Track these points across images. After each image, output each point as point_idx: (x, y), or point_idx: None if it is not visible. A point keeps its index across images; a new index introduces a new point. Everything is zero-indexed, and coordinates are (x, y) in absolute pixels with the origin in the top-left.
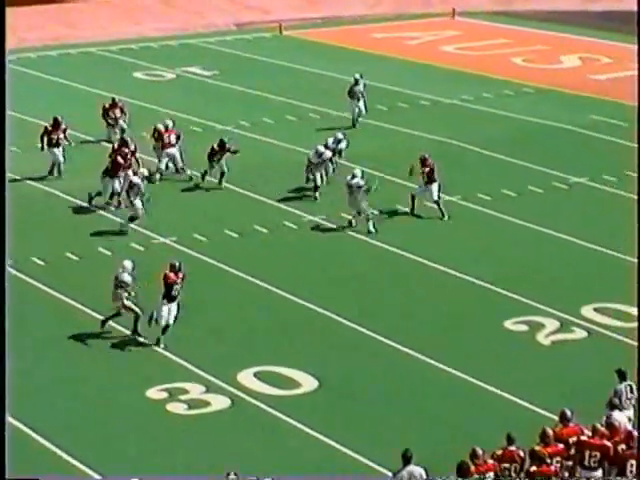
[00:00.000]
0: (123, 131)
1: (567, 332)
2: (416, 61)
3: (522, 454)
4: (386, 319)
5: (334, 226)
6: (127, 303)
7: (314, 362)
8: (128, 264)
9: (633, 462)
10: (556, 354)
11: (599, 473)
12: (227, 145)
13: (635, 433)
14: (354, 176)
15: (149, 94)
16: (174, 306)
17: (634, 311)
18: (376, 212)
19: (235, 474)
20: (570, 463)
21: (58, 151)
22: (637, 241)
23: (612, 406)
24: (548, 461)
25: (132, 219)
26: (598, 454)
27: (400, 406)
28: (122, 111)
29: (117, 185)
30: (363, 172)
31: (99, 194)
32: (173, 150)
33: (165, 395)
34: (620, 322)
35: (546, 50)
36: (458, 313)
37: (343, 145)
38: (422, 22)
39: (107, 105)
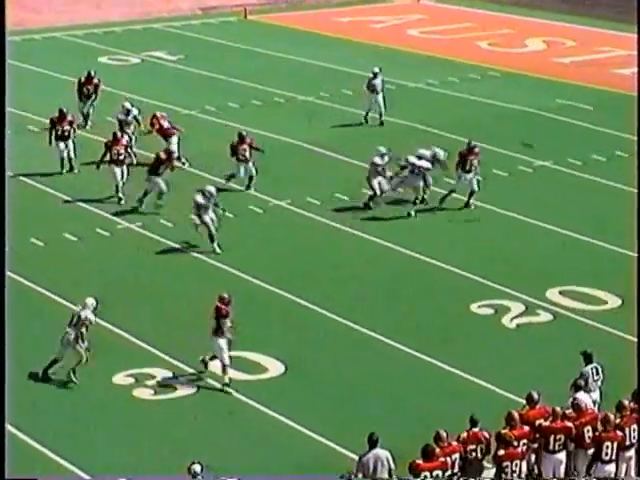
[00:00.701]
0: (90, 109)
1: (533, 315)
2: (381, 45)
3: (487, 435)
4: (350, 303)
5: (300, 211)
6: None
7: (280, 347)
8: (91, 301)
9: (608, 444)
10: (522, 337)
11: (563, 455)
12: (247, 138)
13: (611, 416)
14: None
15: (114, 79)
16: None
17: (599, 294)
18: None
19: (199, 463)
20: (536, 446)
21: (63, 145)
22: (637, 235)
23: (577, 388)
24: (515, 444)
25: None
26: (562, 437)
27: (366, 390)
28: (96, 88)
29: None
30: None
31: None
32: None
33: (131, 381)
34: (585, 305)
35: (511, 34)
36: (424, 297)
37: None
38: (388, 6)
39: (83, 79)
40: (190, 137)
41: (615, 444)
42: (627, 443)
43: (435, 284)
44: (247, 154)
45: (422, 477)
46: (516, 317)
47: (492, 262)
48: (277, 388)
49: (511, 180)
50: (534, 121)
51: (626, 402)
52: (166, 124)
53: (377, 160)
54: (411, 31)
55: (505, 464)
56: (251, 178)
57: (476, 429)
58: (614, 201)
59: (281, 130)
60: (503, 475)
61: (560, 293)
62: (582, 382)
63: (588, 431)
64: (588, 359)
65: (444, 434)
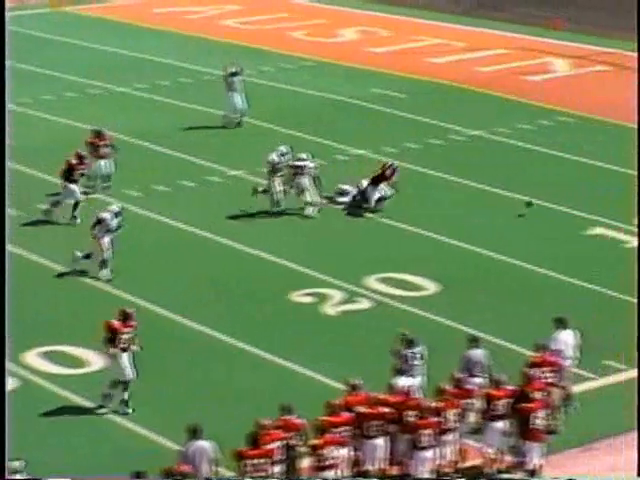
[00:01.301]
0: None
1: (352, 303)
2: (196, 36)
3: (301, 422)
4: (172, 293)
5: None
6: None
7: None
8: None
9: (425, 431)
10: (342, 325)
11: (382, 441)
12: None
13: (428, 402)
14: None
15: None
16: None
17: (418, 280)
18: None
19: (22, 460)
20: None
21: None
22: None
23: (398, 372)
24: (335, 430)
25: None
26: (381, 422)
27: (189, 380)
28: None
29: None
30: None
31: None
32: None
33: None
34: (405, 291)
35: (325, 24)
36: (245, 286)
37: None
38: None
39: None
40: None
41: (432, 430)
42: (446, 427)
43: (256, 273)
44: (107, 150)
45: (246, 464)
46: (336, 305)
47: (311, 251)
48: (95, 381)
49: (330, 169)
50: (349, 110)
51: (446, 386)
52: None
53: (275, 158)
54: (226, 21)
55: (324, 451)
56: (109, 176)
57: (290, 416)
58: (428, 189)
59: (98, 122)
60: (323, 462)
61: (379, 280)
62: (404, 367)
63: (409, 416)
64: (409, 343)
65: (265, 422)
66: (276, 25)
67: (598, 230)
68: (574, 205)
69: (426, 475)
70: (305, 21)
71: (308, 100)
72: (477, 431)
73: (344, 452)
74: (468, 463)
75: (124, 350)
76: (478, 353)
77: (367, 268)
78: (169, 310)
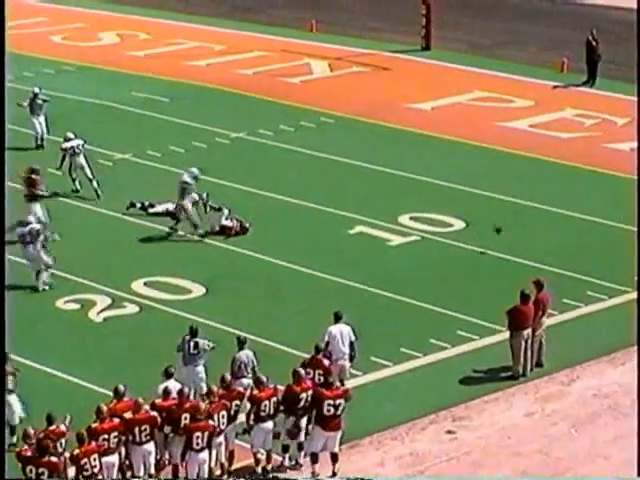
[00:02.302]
0: None
1: (119, 308)
2: None
3: (64, 429)
4: None
5: None
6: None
7: None
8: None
9: (199, 434)
10: (109, 330)
11: (151, 446)
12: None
13: (202, 405)
14: None
15: None
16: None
17: (184, 283)
18: None
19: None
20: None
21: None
22: None
23: (168, 375)
24: (104, 437)
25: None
26: (147, 427)
27: None
28: None
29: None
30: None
31: None
32: None
33: None
34: (171, 295)
35: (85, 28)
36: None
37: None
38: None
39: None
40: None
41: (206, 433)
42: (217, 429)
43: (20, 280)
44: None
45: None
46: (102, 311)
47: (76, 258)
48: None
49: (102, 171)
50: (111, 114)
51: (214, 388)
52: None
53: (187, 179)
54: None
55: (83, 461)
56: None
57: (54, 427)
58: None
59: None
60: (84, 472)
61: (145, 284)
62: (171, 370)
63: (185, 418)
64: (193, 333)
65: (31, 431)
66: (35, 29)
67: (359, 228)
68: (338, 205)
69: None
70: (64, 24)
71: (69, 105)
72: (246, 432)
73: (113, 459)
74: (238, 464)
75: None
76: (246, 354)
77: (133, 273)
78: None
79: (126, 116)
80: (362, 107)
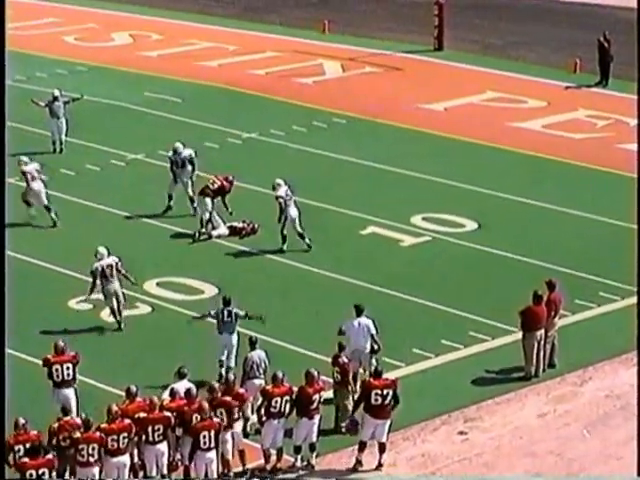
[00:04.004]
0: None
1: (131, 308)
2: None
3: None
4: None
5: None
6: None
7: None
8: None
9: (205, 433)
10: (123, 330)
11: (164, 446)
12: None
13: (206, 405)
14: None
15: None
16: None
17: (196, 284)
18: None
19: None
20: (137, 439)
21: None
22: None
23: (180, 376)
24: (112, 437)
25: None
26: (161, 427)
27: None
28: None
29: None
30: None
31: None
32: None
33: None
34: (183, 295)
35: (97, 28)
36: (23, 294)
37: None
38: None
39: None
40: None
41: (212, 432)
42: (225, 427)
43: (33, 282)
44: None
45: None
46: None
47: (88, 258)
48: None
49: (104, 174)
50: (124, 114)
51: (216, 385)
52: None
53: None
54: None
55: (81, 446)
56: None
57: (68, 417)
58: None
59: None
60: (80, 458)
61: (158, 285)
62: (184, 370)
63: (197, 419)
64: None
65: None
66: (47, 30)
67: (371, 229)
68: (350, 206)
69: (209, 476)
70: (76, 25)
71: (82, 106)
72: (257, 431)
73: (124, 459)
74: (249, 465)
75: None
76: (258, 354)
77: (146, 273)
78: None
79: (139, 116)
80: (374, 107)
